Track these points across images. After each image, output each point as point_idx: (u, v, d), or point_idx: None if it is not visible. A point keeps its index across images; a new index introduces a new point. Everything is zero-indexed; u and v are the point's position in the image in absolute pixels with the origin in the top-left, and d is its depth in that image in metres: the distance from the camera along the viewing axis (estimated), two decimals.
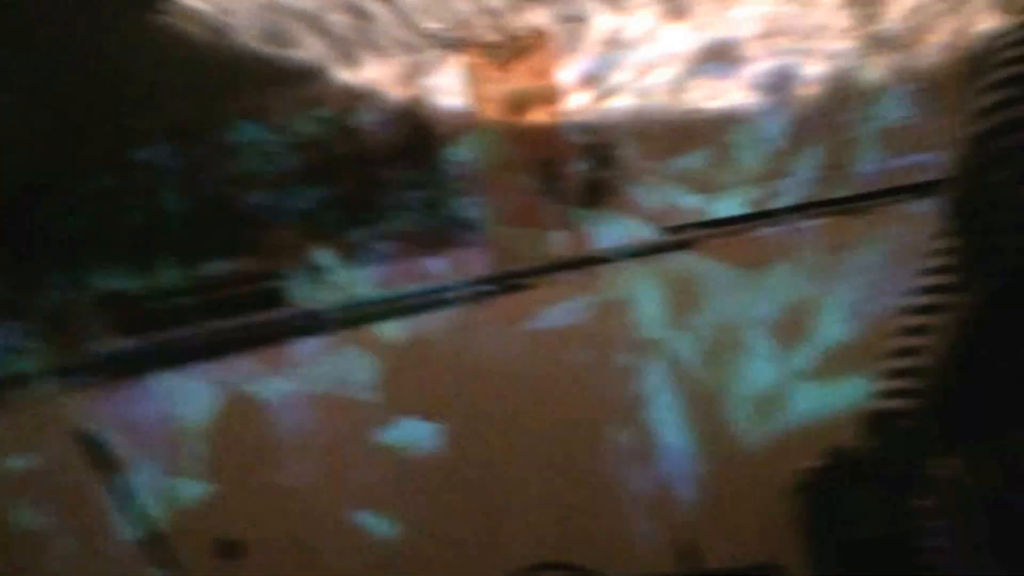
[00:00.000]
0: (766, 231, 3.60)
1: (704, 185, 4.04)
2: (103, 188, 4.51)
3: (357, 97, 4.50)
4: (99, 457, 2.27)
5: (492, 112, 4.40)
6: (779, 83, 4.17)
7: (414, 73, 4.50)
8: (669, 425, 3.19)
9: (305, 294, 4.18)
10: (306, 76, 4.50)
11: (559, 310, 3.49)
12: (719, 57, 4.25)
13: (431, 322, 3.62)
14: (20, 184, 4.36)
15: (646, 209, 4.02)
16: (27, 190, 4.39)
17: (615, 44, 4.35)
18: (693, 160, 4.16)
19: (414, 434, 3.34)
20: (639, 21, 4.34)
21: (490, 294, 3.78)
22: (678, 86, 4.22)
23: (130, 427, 3.36)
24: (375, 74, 4.48)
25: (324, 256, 4.26)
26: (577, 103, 4.30)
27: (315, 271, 4.24)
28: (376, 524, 3.30)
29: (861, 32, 4.13)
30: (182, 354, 3.75)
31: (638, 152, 4.19)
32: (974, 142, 0.96)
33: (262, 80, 4.46)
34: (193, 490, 3.30)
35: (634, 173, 4.14)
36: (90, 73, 4.22)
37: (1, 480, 3.46)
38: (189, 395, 3.47)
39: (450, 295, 3.73)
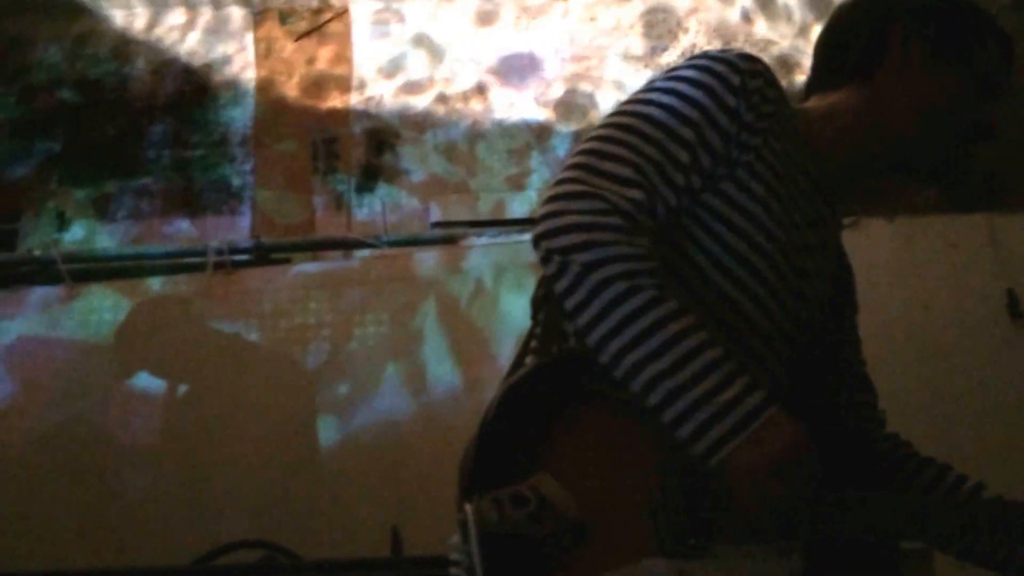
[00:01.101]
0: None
1: (476, 188, 4.06)
2: None
3: (130, 42, 4.25)
4: None
5: (278, 81, 4.27)
6: (572, 104, 4.26)
7: (202, 28, 4.30)
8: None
9: (43, 240, 3.89)
10: (77, 11, 4.22)
11: (306, 282, 3.39)
12: (519, 69, 4.30)
13: (176, 283, 3.44)
14: None
15: (413, 205, 3.99)
16: None
17: (420, 40, 4.32)
18: (472, 163, 4.17)
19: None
20: (449, 22, 4.34)
21: (245, 263, 3.64)
22: (473, 90, 4.23)
23: None
24: (159, 22, 4.25)
25: (69, 204, 3.98)
26: (369, 89, 4.24)
27: (57, 218, 3.95)
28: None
29: (651, 62, 4.29)
30: None
31: (417, 147, 4.16)
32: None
33: (25, 6, 4.15)
34: None
35: (411, 168, 4.11)
36: None
37: None
38: None
39: (202, 259, 3.55)
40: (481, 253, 3.57)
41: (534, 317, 1.35)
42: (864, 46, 1.38)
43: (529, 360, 1.28)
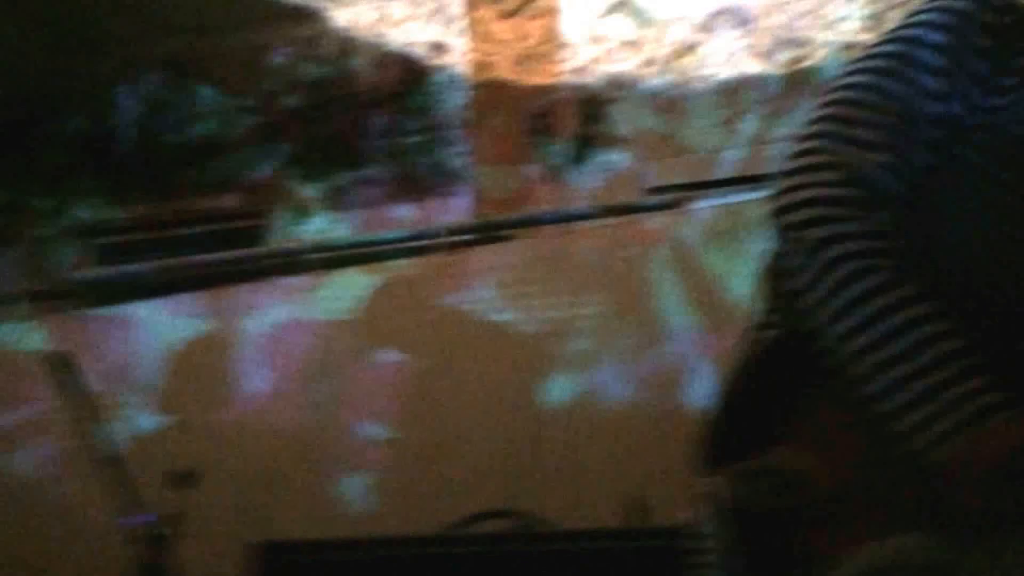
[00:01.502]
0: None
1: (692, 147, 3.99)
2: (90, 120, 4.52)
3: (353, 39, 4.47)
4: (66, 379, 2.28)
5: (491, 61, 4.36)
6: (785, 53, 4.10)
7: (415, 18, 4.45)
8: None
9: (285, 234, 4.18)
10: (304, 16, 4.47)
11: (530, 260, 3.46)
12: (726, 22, 4.18)
13: (408, 267, 3.61)
14: (8, 116, 4.38)
15: (631, 168, 3.97)
16: (15, 122, 4.41)
17: (625, 4, 4.28)
18: (686, 123, 4.10)
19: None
20: None
21: (470, 243, 3.76)
22: (683, 49, 4.16)
23: (100, 354, 3.38)
24: (374, 17, 4.44)
25: (307, 198, 4.26)
26: (578, 59, 4.25)
27: (297, 212, 4.23)
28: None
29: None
30: (156, 286, 3.77)
31: (631, 112, 4.14)
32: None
33: (258, 18, 4.44)
34: (153, 419, 3.32)
35: (625, 133, 4.09)
36: (85, 4, 4.22)
37: None
38: (159, 326, 3.48)
39: (429, 242, 3.70)
40: (700, 215, 3.51)
41: (764, 286, 1.29)
42: None
43: (760, 333, 1.24)
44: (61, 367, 2.30)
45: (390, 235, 3.98)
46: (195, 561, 2.46)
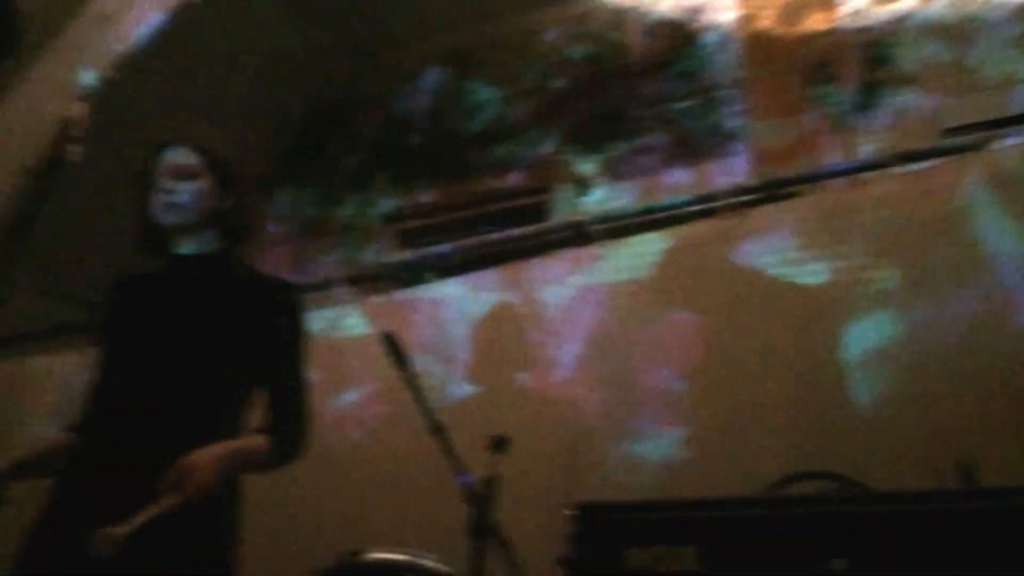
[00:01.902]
0: None
1: (987, 80, 3.70)
2: (385, 117, 4.89)
3: (621, 12, 4.52)
4: (396, 354, 2.51)
5: (759, 15, 4.26)
6: None
7: None
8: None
9: (569, 207, 4.32)
10: None
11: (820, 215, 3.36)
12: None
13: (694, 230, 3.61)
14: (313, 113, 4.82)
15: (921, 112, 3.76)
16: (321, 123, 4.86)
17: None
18: (978, 53, 3.81)
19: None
20: None
21: (753, 203, 3.70)
22: None
23: (412, 331, 3.67)
24: None
25: (588, 170, 4.37)
26: (854, 6, 4.07)
27: (578, 185, 4.35)
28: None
29: None
30: (456, 265, 4.02)
31: (919, 48, 3.91)
32: None
33: (530, 2, 4.61)
34: (464, 388, 3.57)
35: (910, 77, 3.87)
36: (368, 9, 4.55)
37: None
38: (463, 302, 3.72)
39: (713, 205, 3.69)
40: (1008, 154, 3.25)
41: None
42: None
43: None
44: (391, 346, 2.51)
45: (671, 201, 3.99)
46: (512, 522, 2.62)
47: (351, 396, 3.75)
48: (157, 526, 1.48)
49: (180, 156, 1.79)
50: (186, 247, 1.81)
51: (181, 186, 1.77)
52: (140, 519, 1.45)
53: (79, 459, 1.70)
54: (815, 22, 4.16)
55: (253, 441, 1.71)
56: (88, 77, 4.33)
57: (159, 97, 4.24)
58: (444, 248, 4.15)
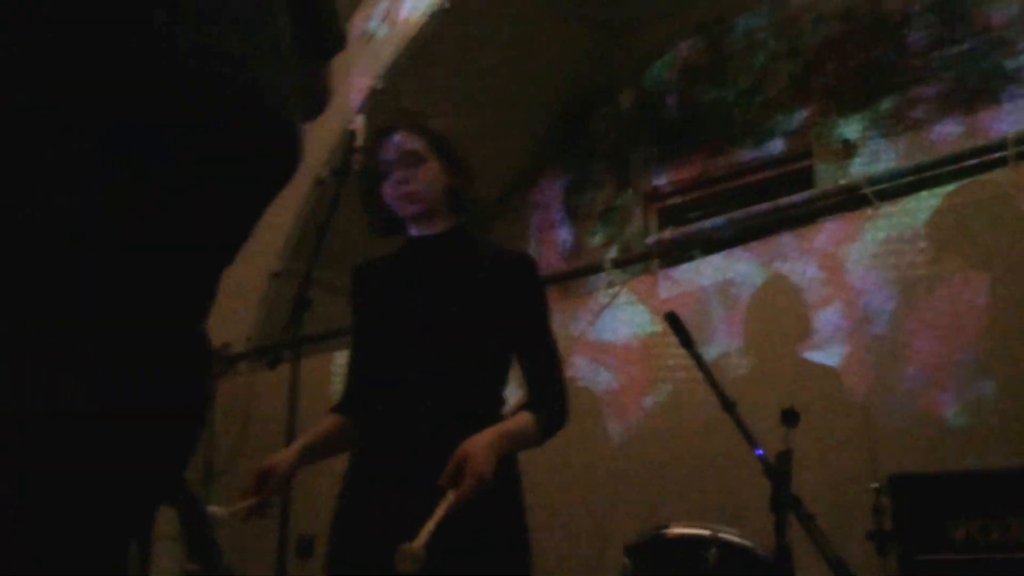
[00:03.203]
0: None
1: None
2: (638, 94, 4.91)
3: None
4: (681, 333, 2.55)
5: None
6: None
7: None
8: None
9: (834, 173, 4.17)
10: None
11: None
12: None
13: (979, 184, 3.39)
14: (571, 103, 4.92)
15: None
16: (576, 107, 4.95)
17: None
18: None
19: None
20: None
21: None
22: None
23: (683, 309, 3.68)
24: None
25: (852, 131, 4.19)
26: None
27: (845, 147, 4.19)
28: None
29: None
30: (720, 240, 3.99)
31: None
32: None
33: None
34: (744, 364, 3.54)
35: None
36: None
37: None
38: (732, 276, 3.69)
39: (1001, 154, 3.43)
40: None
41: None
42: None
43: None
44: (676, 325, 2.55)
45: (951, 155, 3.75)
46: (810, 497, 2.59)
47: (633, 382, 3.82)
48: (450, 524, 1.49)
49: (405, 140, 1.80)
50: (423, 229, 1.83)
51: (412, 172, 1.77)
52: (431, 525, 1.47)
53: (367, 446, 1.80)
54: None
55: (520, 420, 1.72)
56: (360, 87, 4.67)
57: (425, 102, 4.50)
58: (707, 223, 4.14)
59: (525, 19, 4.48)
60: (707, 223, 4.19)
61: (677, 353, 2.89)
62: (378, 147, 1.83)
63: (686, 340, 2.52)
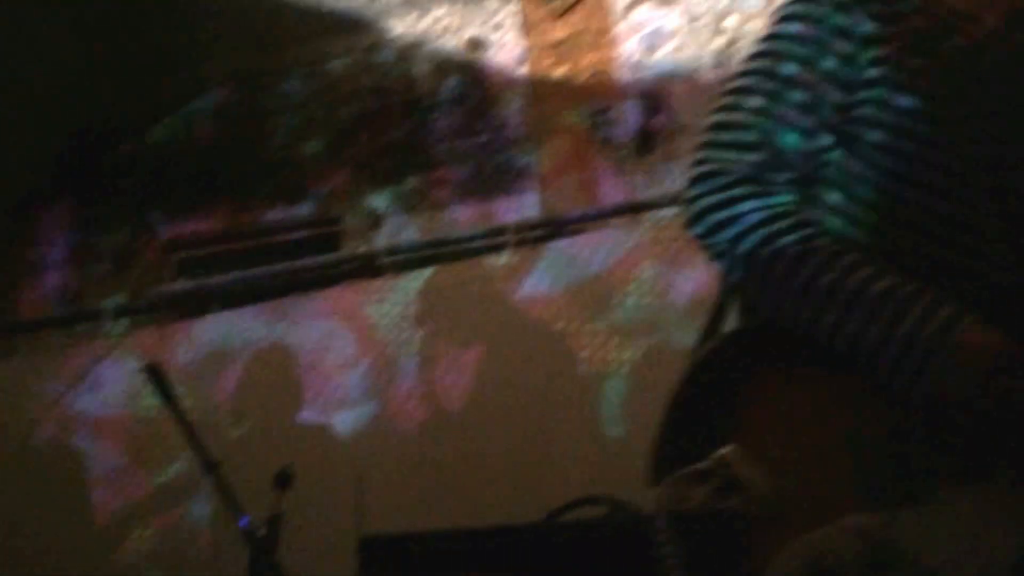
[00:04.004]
0: None
1: None
2: (166, 137, 4.65)
3: (412, 46, 4.54)
4: (160, 387, 2.36)
5: (545, 61, 4.40)
6: None
7: (472, 22, 4.51)
8: None
9: (359, 239, 4.26)
10: (362, 27, 4.55)
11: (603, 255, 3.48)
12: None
13: (476, 266, 3.65)
14: (88, 132, 4.51)
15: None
16: (94, 138, 4.55)
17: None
18: None
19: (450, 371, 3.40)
20: None
21: (540, 239, 3.79)
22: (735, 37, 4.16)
23: (184, 363, 3.48)
24: (431, 23, 4.51)
25: (379, 202, 4.33)
26: (631, 53, 4.27)
27: (370, 217, 4.31)
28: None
29: None
30: (235, 296, 3.86)
31: (690, 102, 4.14)
32: None
33: (319, 29, 4.53)
34: (241, 425, 3.42)
35: (685, 122, 4.10)
36: (150, 21, 4.33)
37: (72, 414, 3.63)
38: (240, 334, 3.57)
39: (501, 240, 3.74)
40: None
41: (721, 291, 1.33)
42: None
43: (703, 344, 1.26)
44: (155, 378, 2.38)
45: (460, 235, 4.03)
46: (297, 560, 2.52)
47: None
48: None
49: None
50: None
51: None
52: None
53: None
54: (599, 68, 4.33)
55: None
56: None
57: None
58: (227, 278, 3.99)
59: (57, 48, 4.06)
60: (227, 278, 4.04)
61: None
62: None
63: (166, 395, 2.35)
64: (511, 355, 3.36)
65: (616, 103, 4.23)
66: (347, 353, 3.58)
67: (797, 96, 1.18)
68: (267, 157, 4.51)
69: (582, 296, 3.39)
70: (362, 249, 3.99)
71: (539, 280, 3.52)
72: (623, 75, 4.25)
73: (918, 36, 1.15)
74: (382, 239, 4.17)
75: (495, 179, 4.25)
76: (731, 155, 1.18)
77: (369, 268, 3.95)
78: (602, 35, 4.38)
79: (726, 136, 1.20)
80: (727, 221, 1.15)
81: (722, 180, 1.17)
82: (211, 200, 4.43)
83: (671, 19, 4.23)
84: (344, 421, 3.44)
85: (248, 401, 3.50)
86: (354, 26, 4.52)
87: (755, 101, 1.20)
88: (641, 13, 4.32)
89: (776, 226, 1.13)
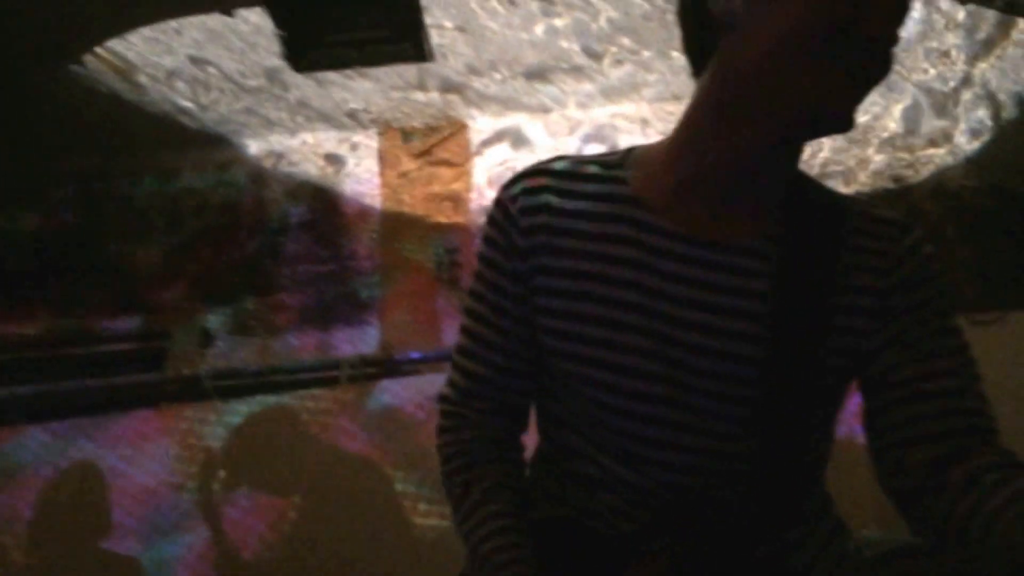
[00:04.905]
0: None
1: None
2: None
3: (265, 167, 4.50)
4: None
5: (402, 198, 4.43)
6: None
7: (327, 148, 4.52)
8: None
9: (189, 358, 4.09)
10: (216, 143, 4.50)
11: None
12: None
13: (311, 397, 3.55)
14: None
15: None
16: None
17: (530, 144, 4.44)
18: None
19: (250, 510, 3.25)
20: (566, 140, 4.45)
21: (376, 375, 3.73)
22: None
23: None
24: (288, 145, 4.50)
25: (212, 321, 4.19)
26: (485, 190, 4.36)
27: (202, 335, 4.16)
28: None
29: None
30: (42, 408, 3.62)
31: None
32: None
33: (174, 140, 4.46)
34: (35, 553, 3.15)
35: None
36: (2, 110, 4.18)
37: None
38: (43, 450, 3.33)
39: (336, 373, 3.66)
40: None
41: None
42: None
43: None
44: None
45: (292, 365, 3.92)
46: None
47: None
48: None
49: None
50: None
51: None
52: None
53: None
54: (451, 212, 4.39)
55: None
56: None
57: None
58: (32, 388, 3.74)
59: None
60: (38, 388, 3.78)
61: None
62: None
63: None
64: (325, 500, 3.24)
65: (466, 241, 4.28)
66: (161, 478, 3.38)
67: (492, 315, 1.31)
68: (100, 262, 4.33)
69: (402, 445, 3.33)
70: (187, 370, 3.82)
71: (366, 419, 3.44)
72: (474, 220, 4.32)
73: (572, 239, 1.28)
74: (210, 360, 4.02)
75: (336, 309, 4.19)
76: (455, 380, 1.34)
77: (194, 389, 3.78)
78: (458, 172, 4.46)
79: (456, 360, 1.35)
80: (441, 460, 1.36)
81: (441, 421, 1.37)
82: (36, 304, 4.20)
83: (524, 159, 4.35)
84: (154, 553, 3.23)
85: (46, 526, 3.25)
86: (209, 140, 4.47)
87: (468, 323, 1.34)
88: (497, 152, 4.43)
89: (453, 465, 1.33)
